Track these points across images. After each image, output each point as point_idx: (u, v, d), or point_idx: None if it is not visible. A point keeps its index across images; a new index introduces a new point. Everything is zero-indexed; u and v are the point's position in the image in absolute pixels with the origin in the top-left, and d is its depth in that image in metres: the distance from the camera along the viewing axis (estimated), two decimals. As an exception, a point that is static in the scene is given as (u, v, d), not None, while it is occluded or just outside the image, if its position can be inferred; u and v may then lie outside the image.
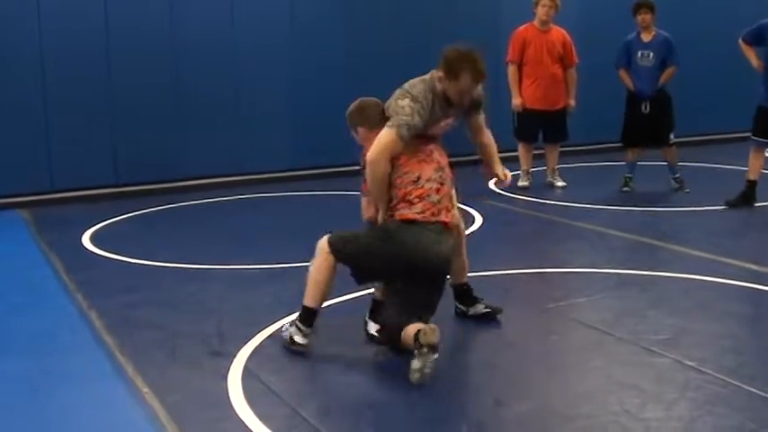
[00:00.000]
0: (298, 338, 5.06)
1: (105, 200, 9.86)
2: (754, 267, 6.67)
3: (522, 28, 9.89)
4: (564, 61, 9.87)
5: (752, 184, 8.78)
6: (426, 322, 4.81)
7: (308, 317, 5.08)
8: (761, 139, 8.70)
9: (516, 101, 9.85)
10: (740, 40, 8.78)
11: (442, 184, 5.12)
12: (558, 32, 9.90)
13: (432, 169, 5.11)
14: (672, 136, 9.58)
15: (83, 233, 8.19)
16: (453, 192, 5.25)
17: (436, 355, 4.60)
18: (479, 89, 5.29)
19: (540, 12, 9.75)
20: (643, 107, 9.58)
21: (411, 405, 4.46)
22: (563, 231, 8.25)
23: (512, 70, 9.89)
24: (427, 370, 4.56)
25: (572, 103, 10.01)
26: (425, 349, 4.56)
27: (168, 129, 10.33)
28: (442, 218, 5.07)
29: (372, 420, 4.29)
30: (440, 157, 5.20)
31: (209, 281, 6.66)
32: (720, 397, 4.35)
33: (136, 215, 9.15)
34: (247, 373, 4.76)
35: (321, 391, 4.68)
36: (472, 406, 4.48)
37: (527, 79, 9.84)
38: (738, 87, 12.08)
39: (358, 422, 4.28)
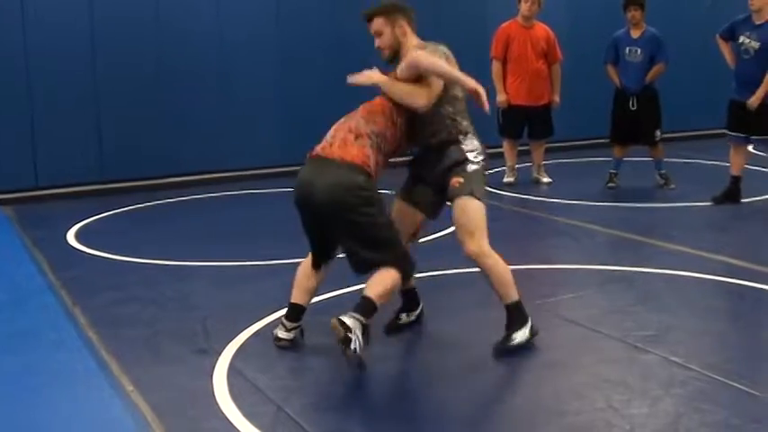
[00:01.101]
0: (280, 333, 5.08)
1: (90, 196, 9.81)
2: (738, 263, 6.70)
3: (505, 24, 9.86)
4: (548, 57, 9.86)
5: (735, 180, 8.82)
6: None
7: (291, 313, 5.10)
8: (734, 134, 8.77)
9: (501, 97, 9.80)
10: (717, 37, 8.86)
11: (345, 122, 4.97)
12: (542, 28, 9.89)
13: (353, 117, 4.99)
14: (658, 133, 9.60)
15: (68, 230, 8.15)
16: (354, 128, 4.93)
17: (353, 342, 4.52)
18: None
19: (524, 8, 9.72)
20: (631, 103, 9.59)
21: (397, 401, 4.46)
22: (549, 227, 8.27)
23: (496, 66, 9.85)
24: (358, 361, 4.62)
25: (556, 99, 10.00)
26: (342, 347, 4.57)
27: (154, 125, 10.29)
28: (317, 151, 4.90)
29: (358, 417, 4.29)
30: (378, 104, 5.02)
31: (194, 278, 6.64)
32: (705, 393, 4.37)
33: (121, 212, 9.11)
34: (233, 370, 4.75)
35: (307, 388, 4.67)
36: (460, 402, 4.47)
37: (511, 75, 9.83)
38: (723, 83, 12.12)
39: (344, 419, 4.27)
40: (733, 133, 8.79)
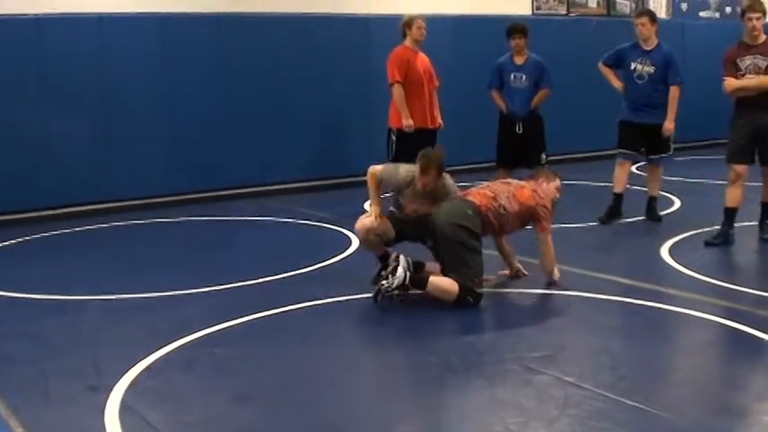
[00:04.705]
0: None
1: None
2: (625, 281, 6.86)
3: (400, 49, 9.62)
4: (432, 82, 9.86)
5: (617, 197, 9.08)
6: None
7: None
8: (626, 151, 9.04)
9: (409, 121, 9.49)
10: (600, 64, 9.16)
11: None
12: (424, 55, 9.87)
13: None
14: (544, 156, 9.77)
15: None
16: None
17: (391, 275, 6.14)
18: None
19: (417, 33, 9.59)
20: (517, 128, 9.75)
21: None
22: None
23: (399, 91, 9.50)
24: (379, 291, 6.18)
25: (441, 121, 10.00)
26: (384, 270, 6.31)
27: (33, 154, 10.04)
28: None
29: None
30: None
31: (82, 313, 6.47)
32: (600, 412, 4.41)
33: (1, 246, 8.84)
34: (124, 406, 4.62)
35: (200, 424, 4.56)
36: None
37: (412, 100, 9.55)
38: (604, 107, 12.46)
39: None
40: (626, 150, 9.07)
